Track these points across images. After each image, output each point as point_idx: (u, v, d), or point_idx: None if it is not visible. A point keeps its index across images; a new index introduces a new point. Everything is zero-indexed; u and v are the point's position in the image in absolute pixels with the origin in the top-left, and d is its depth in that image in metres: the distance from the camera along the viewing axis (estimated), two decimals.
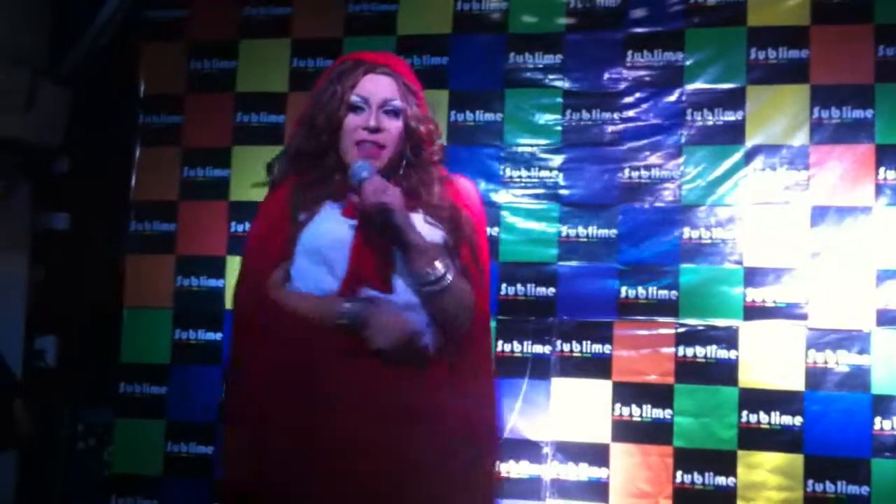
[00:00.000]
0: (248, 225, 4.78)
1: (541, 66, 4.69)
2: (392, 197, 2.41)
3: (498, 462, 2.69)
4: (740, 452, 4.29)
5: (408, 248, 2.42)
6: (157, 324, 4.84)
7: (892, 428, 4.16)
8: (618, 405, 4.42)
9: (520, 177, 4.62)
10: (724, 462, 4.30)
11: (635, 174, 4.55)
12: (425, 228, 2.48)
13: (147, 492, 4.75)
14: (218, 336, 4.77)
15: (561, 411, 4.46)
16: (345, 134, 2.53)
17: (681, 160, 4.51)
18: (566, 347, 4.50)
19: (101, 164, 5.05)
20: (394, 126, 2.53)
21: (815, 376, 4.26)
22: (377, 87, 2.54)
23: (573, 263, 4.54)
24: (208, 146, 4.90)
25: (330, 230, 2.47)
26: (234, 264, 4.79)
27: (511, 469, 4.43)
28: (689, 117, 4.53)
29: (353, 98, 2.53)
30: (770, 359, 4.32)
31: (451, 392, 2.49)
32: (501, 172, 4.61)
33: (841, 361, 4.25)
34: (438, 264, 2.42)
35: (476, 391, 2.58)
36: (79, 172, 5.11)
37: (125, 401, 4.82)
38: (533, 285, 4.55)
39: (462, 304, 2.48)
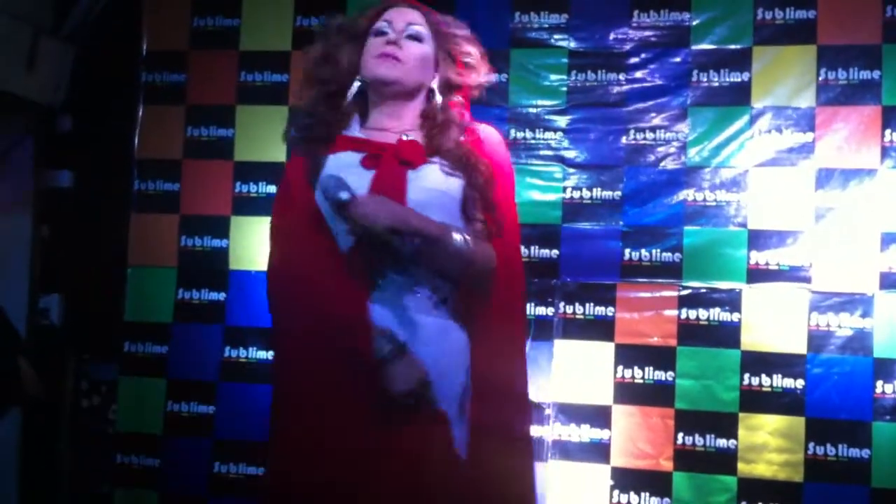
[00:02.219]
0: (252, 185, 4.80)
1: (546, 25, 4.65)
2: (391, 215, 2.31)
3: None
4: (741, 415, 4.30)
5: (426, 242, 2.37)
6: (161, 283, 4.84)
7: (894, 391, 4.16)
8: (620, 367, 4.42)
9: (524, 138, 4.60)
10: (726, 424, 4.30)
11: (640, 135, 4.53)
12: (440, 178, 2.46)
13: (151, 450, 4.78)
14: (221, 296, 4.78)
15: (563, 373, 4.46)
16: (366, 53, 2.52)
17: (686, 121, 4.48)
18: (569, 309, 4.49)
19: (104, 121, 5.02)
20: (415, 48, 2.52)
21: (818, 339, 4.25)
22: (400, 14, 2.55)
23: (577, 225, 4.53)
24: (212, 104, 4.88)
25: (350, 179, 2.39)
26: (238, 224, 4.80)
27: None
28: (694, 78, 4.49)
29: (377, 24, 2.53)
30: (773, 321, 4.31)
31: (486, 357, 2.50)
32: (506, 133, 4.57)
33: (843, 324, 4.24)
34: (456, 236, 2.38)
35: (510, 354, 2.58)
36: (82, 130, 5.08)
37: (129, 359, 4.84)
38: (536, 247, 4.53)
39: (477, 266, 2.45)
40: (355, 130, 2.55)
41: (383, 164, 2.43)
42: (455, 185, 2.47)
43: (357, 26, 2.57)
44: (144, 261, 4.88)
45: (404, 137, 2.48)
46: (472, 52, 2.61)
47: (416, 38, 2.52)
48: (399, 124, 2.53)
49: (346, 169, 2.43)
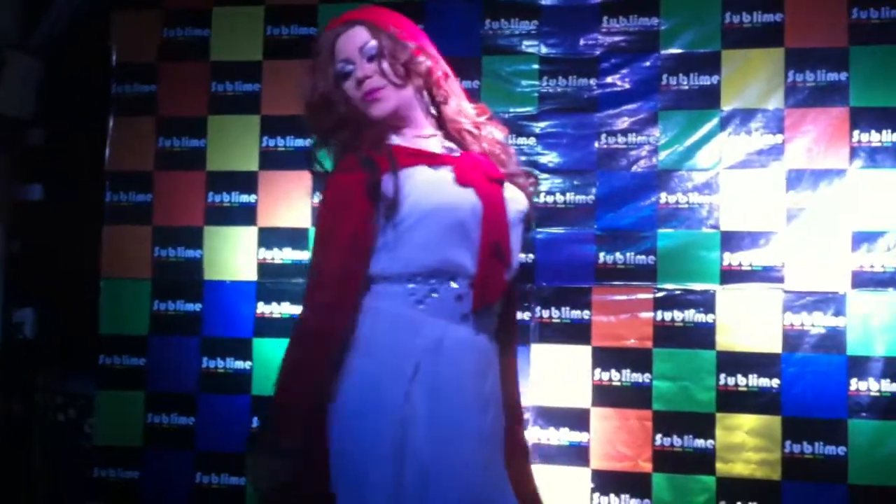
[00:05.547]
0: (225, 196, 4.78)
1: (517, 32, 4.67)
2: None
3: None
4: (718, 415, 4.33)
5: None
6: (136, 295, 4.81)
7: (868, 388, 4.21)
8: (597, 370, 4.45)
9: None
10: (703, 424, 4.34)
11: (612, 140, 4.56)
12: (519, 196, 2.51)
13: (129, 463, 4.74)
14: (197, 307, 4.77)
15: (541, 377, 4.48)
16: (354, 99, 2.49)
17: (657, 125, 4.52)
18: (545, 313, 4.52)
19: (75, 134, 5.00)
20: (375, 67, 2.47)
21: (792, 338, 4.30)
22: (349, 41, 2.50)
23: (551, 230, 4.55)
24: (183, 115, 4.86)
25: (455, 195, 2.39)
26: (211, 235, 4.79)
27: None
28: (664, 82, 4.53)
29: (338, 66, 2.50)
30: (747, 322, 4.35)
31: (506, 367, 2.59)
32: None
33: (817, 323, 4.28)
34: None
35: (514, 362, 2.66)
36: (53, 143, 5.06)
37: (105, 372, 4.80)
38: None
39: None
40: (399, 139, 2.50)
41: (483, 184, 2.41)
42: (524, 200, 2.53)
43: (325, 76, 2.50)
44: (118, 273, 4.85)
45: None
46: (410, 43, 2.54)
47: (375, 55, 2.48)
48: (422, 128, 2.53)
49: (441, 187, 2.39)
